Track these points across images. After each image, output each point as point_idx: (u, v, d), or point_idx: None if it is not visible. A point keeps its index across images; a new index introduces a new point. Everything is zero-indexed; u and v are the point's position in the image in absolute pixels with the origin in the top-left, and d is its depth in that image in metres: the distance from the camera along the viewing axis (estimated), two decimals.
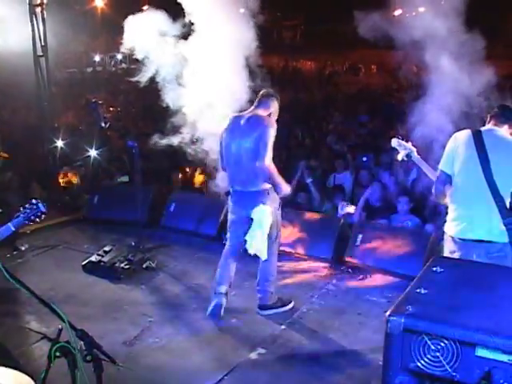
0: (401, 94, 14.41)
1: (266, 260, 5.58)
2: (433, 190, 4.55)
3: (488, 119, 4.51)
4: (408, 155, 4.88)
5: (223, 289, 5.61)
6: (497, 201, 4.15)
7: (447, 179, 4.41)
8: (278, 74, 22.84)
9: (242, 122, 5.50)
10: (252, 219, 5.49)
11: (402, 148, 4.90)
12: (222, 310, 5.58)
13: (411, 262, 6.21)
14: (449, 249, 4.40)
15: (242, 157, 5.45)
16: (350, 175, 9.02)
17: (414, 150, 4.88)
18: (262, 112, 5.55)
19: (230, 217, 5.84)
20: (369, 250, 6.73)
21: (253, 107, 5.62)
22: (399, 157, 4.94)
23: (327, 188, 8.90)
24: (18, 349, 4.66)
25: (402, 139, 4.93)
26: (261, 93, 5.68)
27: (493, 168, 4.18)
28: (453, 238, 4.35)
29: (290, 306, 5.87)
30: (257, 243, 5.46)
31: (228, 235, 5.86)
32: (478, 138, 4.30)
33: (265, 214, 5.46)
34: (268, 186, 5.47)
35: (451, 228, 4.38)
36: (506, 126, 4.42)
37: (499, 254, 4.15)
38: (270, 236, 5.51)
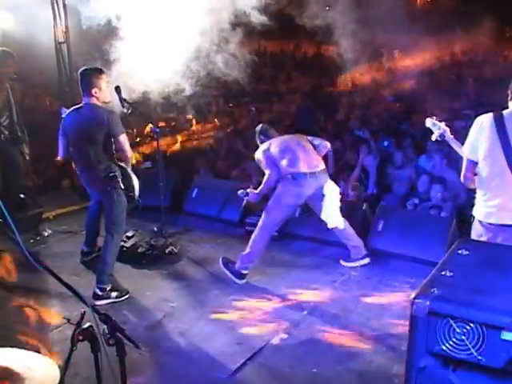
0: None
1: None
2: (461, 177, 4.49)
3: (510, 96, 4.32)
4: (441, 135, 4.80)
5: None
6: None
7: (475, 167, 4.34)
8: (299, 59, 22.69)
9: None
10: (324, 195, 6.11)
11: (436, 128, 4.80)
12: None
13: (433, 247, 6.16)
14: (476, 232, 4.36)
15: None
16: (373, 159, 8.98)
17: (447, 129, 4.76)
18: None
19: (287, 201, 6.18)
20: (391, 235, 6.70)
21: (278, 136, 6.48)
22: (433, 137, 4.84)
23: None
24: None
25: (436, 119, 4.84)
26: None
27: None
28: (480, 221, 4.30)
29: None
30: (333, 216, 6.15)
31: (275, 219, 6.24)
32: (499, 123, 4.17)
33: (335, 188, 6.19)
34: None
35: (479, 212, 4.33)
36: None
37: None
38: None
